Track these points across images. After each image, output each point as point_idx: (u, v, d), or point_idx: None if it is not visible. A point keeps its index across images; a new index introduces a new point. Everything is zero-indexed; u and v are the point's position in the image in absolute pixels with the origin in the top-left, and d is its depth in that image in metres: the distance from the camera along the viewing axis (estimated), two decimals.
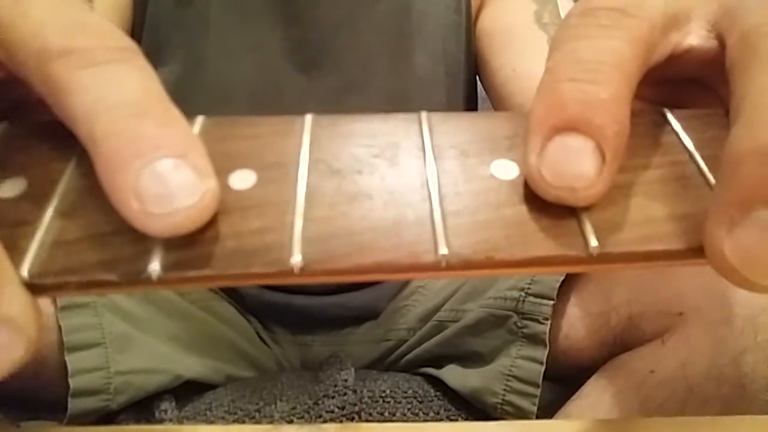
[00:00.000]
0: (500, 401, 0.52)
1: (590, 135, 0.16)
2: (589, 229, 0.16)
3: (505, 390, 0.52)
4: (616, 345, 0.49)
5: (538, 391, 0.50)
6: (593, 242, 0.16)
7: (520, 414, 0.51)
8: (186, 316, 0.58)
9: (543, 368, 0.50)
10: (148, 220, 0.15)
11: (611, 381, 0.47)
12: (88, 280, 0.15)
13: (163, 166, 0.15)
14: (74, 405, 0.48)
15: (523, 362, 0.52)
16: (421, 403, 0.55)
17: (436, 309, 0.61)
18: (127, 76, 0.16)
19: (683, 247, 0.16)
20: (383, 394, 0.55)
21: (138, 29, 0.63)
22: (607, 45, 0.17)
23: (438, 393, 0.56)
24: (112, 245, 0.16)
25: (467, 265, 0.16)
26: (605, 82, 0.17)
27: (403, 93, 0.63)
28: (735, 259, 0.15)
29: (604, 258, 0.16)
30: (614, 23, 0.18)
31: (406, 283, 0.68)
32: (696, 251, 0.16)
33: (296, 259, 0.15)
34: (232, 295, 0.64)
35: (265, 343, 0.65)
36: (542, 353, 0.50)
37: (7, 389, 0.49)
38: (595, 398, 0.48)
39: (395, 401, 0.54)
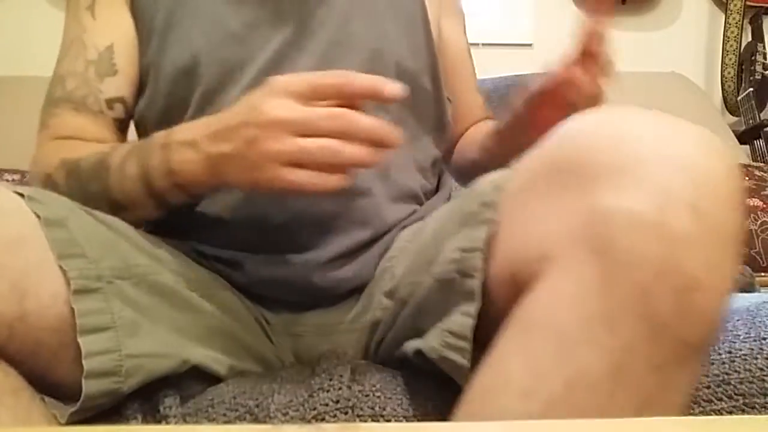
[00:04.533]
0: (438, 357, 0.52)
1: None
2: None
3: (441, 345, 0.51)
4: (517, 298, 0.46)
5: (469, 345, 0.49)
6: None
7: (456, 370, 0.50)
8: (190, 307, 0.60)
9: (473, 322, 0.49)
10: None
11: (497, 341, 0.45)
12: None
13: None
14: (88, 387, 0.49)
15: (459, 317, 0.50)
16: (409, 399, 0.56)
17: (400, 285, 0.62)
18: None
19: None
20: (374, 389, 0.56)
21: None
22: None
23: (424, 387, 0.57)
24: None
25: None
26: None
27: (380, 52, 0.73)
28: None
29: None
30: None
31: (383, 254, 0.70)
32: None
33: None
34: (232, 274, 0.67)
35: (265, 333, 0.67)
36: (473, 307, 0.49)
37: (26, 374, 0.50)
38: (486, 363, 0.46)
39: (385, 396, 0.56)
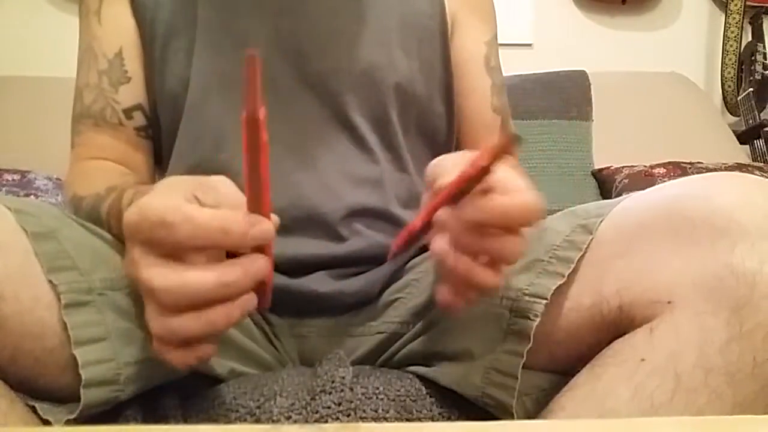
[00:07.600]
0: (480, 394, 0.53)
1: None
2: None
3: (484, 382, 0.52)
4: (610, 332, 0.49)
5: (516, 383, 0.51)
6: None
7: (499, 406, 0.51)
8: None
9: (522, 360, 0.50)
10: None
11: (604, 370, 0.48)
12: None
13: None
14: (87, 396, 0.49)
15: (505, 356, 0.52)
16: (414, 402, 0.56)
17: (430, 303, 0.62)
18: None
19: None
20: (377, 391, 0.56)
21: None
22: None
23: (429, 391, 0.57)
24: None
25: None
26: None
27: (377, 72, 0.71)
28: None
29: None
30: None
31: (399, 273, 0.70)
32: None
33: None
34: None
35: (266, 337, 0.67)
36: (524, 347, 0.51)
37: (9, 381, 0.48)
38: (588, 388, 0.48)
39: (388, 398, 0.55)
